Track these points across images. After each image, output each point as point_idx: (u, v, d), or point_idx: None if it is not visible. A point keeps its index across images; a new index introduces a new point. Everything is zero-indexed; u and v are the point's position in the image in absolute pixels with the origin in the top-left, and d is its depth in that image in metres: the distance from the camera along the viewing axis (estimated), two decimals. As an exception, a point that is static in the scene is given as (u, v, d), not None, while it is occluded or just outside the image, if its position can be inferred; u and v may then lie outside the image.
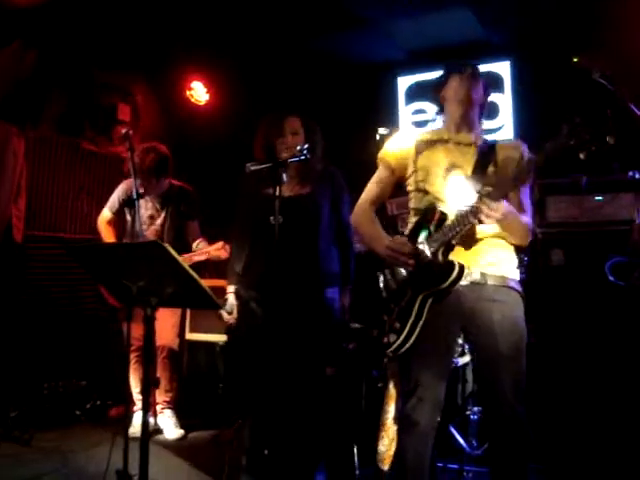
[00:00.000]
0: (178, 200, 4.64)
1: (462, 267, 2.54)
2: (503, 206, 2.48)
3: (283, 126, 3.45)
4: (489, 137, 2.96)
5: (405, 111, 5.65)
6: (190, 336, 5.14)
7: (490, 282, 2.63)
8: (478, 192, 2.53)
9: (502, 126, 5.26)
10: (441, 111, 2.91)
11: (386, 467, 3.39)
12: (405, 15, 4.88)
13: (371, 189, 2.97)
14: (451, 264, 2.55)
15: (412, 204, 2.85)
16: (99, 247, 3.68)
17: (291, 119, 3.48)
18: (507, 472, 2.61)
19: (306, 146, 3.10)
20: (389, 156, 2.92)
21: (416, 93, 5.60)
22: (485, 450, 3.45)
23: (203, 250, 4.44)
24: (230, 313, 3.61)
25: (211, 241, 4.46)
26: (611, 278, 3.90)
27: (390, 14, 4.91)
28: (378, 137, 3.93)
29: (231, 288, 3.65)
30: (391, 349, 2.68)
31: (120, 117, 5.79)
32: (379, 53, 5.57)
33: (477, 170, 2.69)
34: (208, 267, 5.80)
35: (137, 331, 4.30)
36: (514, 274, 2.72)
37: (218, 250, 4.34)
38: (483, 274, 2.62)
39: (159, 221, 4.59)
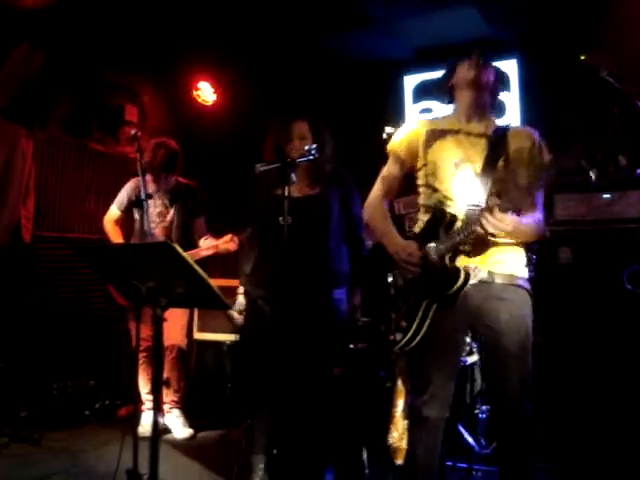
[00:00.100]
0: (185, 197, 4.66)
1: (467, 275, 2.54)
2: (510, 220, 2.46)
3: (291, 130, 3.45)
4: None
5: (412, 110, 5.65)
6: (198, 336, 5.16)
7: (498, 280, 2.62)
8: (486, 203, 2.52)
9: (509, 124, 5.23)
10: (451, 101, 2.87)
11: (400, 461, 3.41)
12: (411, 14, 4.88)
13: (381, 182, 2.96)
14: (457, 271, 2.54)
15: (421, 200, 2.83)
16: (108, 248, 3.70)
17: (299, 123, 3.47)
18: (514, 470, 2.61)
19: (314, 146, 3.10)
20: (398, 148, 2.89)
21: (423, 92, 5.60)
22: (494, 449, 3.45)
23: (211, 245, 4.45)
24: (240, 313, 3.62)
25: (217, 237, 4.48)
26: (629, 287, 3.89)
27: (396, 13, 4.90)
28: (385, 136, 3.93)
29: (242, 289, 3.66)
30: (396, 347, 2.70)
31: (127, 118, 5.81)
32: (386, 52, 5.56)
33: (487, 165, 2.65)
34: (217, 267, 5.82)
35: (145, 331, 4.33)
36: (522, 272, 2.71)
37: (227, 243, 4.36)
38: (491, 273, 2.62)
39: (168, 218, 4.60)
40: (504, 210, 2.43)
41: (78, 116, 5.55)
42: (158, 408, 2.62)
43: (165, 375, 4.50)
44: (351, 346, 3.97)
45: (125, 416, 4.98)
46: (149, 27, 5.16)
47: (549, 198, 4.24)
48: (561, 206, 4.30)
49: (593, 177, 2.20)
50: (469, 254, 2.59)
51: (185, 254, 2.37)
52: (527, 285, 2.69)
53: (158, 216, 4.57)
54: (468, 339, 3.47)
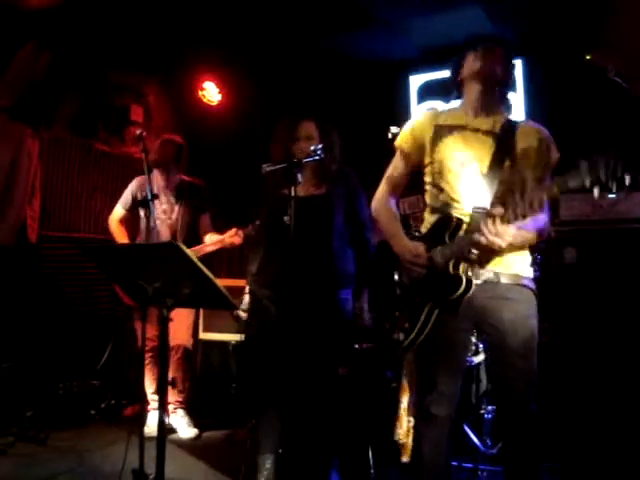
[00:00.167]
0: (190, 194, 4.69)
1: (469, 283, 2.53)
2: (511, 233, 2.45)
3: (298, 130, 3.46)
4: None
5: (417, 109, 5.65)
6: (203, 336, 5.17)
7: (503, 280, 2.62)
8: (490, 211, 2.50)
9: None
10: (459, 97, 2.81)
11: (405, 459, 3.43)
12: (416, 14, 4.87)
13: (388, 179, 2.94)
14: (459, 279, 2.53)
15: (428, 198, 2.81)
16: (114, 248, 3.71)
17: (306, 123, 3.48)
18: (519, 470, 2.61)
19: (320, 146, 3.10)
20: (405, 144, 2.85)
21: (428, 91, 5.59)
22: (499, 449, 3.45)
23: (216, 240, 4.47)
24: (245, 312, 3.63)
25: (222, 233, 4.50)
26: None
27: (402, 13, 4.90)
28: (390, 135, 3.93)
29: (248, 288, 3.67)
30: (398, 348, 2.71)
31: (133, 118, 5.82)
32: (391, 52, 5.56)
33: (494, 165, 2.62)
34: (223, 267, 5.84)
35: (151, 331, 4.33)
36: (527, 272, 2.70)
37: (232, 237, 4.38)
38: (496, 273, 2.62)
39: (174, 215, 4.62)
40: (506, 221, 2.41)
41: (84, 116, 5.57)
42: (164, 408, 2.62)
43: (171, 375, 4.51)
44: (356, 346, 3.97)
45: (131, 416, 4.98)
46: (155, 27, 5.17)
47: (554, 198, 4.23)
48: (566, 206, 4.29)
49: (596, 195, 2.17)
50: (476, 260, 2.57)
51: (192, 255, 2.37)
52: (532, 285, 2.69)
53: (164, 213, 4.58)
54: (474, 339, 3.48)
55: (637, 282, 4.11)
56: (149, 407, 4.58)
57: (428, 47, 5.41)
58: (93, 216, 5.68)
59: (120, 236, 4.60)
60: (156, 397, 4.47)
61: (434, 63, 5.38)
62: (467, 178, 2.65)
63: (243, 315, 3.66)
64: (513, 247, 2.59)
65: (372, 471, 3.62)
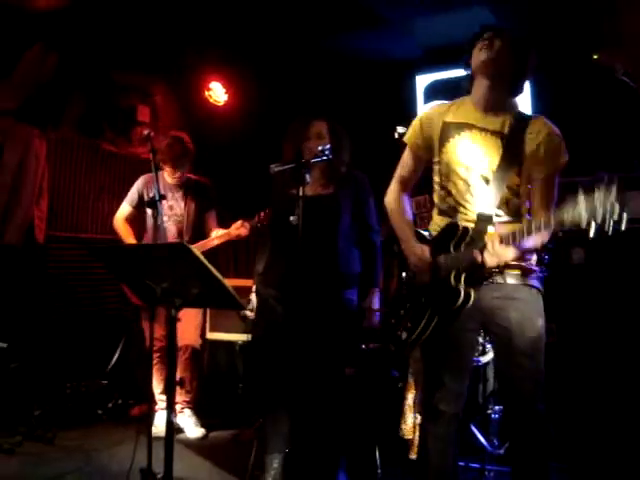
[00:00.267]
0: (196, 191, 4.71)
1: (468, 296, 2.50)
2: (509, 255, 2.41)
3: (309, 130, 3.47)
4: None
5: (423, 109, 5.64)
6: (210, 335, 5.18)
7: (510, 281, 2.61)
8: (488, 234, 2.49)
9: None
10: (470, 92, 2.71)
11: (413, 456, 3.43)
12: (423, 13, 4.87)
13: (398, 176, 2.90)
14: (457, 292, 2.52)
15: (436, 198, 2.80)
16: (122, 248, 3.72)
17: (317, 123, 3.49)
18: (527, 470, 2.61)
19: (327, 146, 3.11)
20: (414, 140, 2.81)
21: (434, 91, 5.59)
22: (507, 449, 3.45)
23: (222, 233, 4.50)
24: (252, 311, 3.64)
25: (227, 227, 4.54)
26: None
27: (408, 13, 4.90)
28: (396, 135, 3.93)
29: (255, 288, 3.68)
30: (401, 346, 2.72)
31: (139, 118, 5.84)
32: (397, 52, 5.55)
33: (501, 169, 2.58)
34: (230, 267, 5.85)
35: (159, 331, 4.34)
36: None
37: (238, 229, 4.43)
38: (503, 273, 2.62)
39: (180, 212, 4.64)
40: (506, 241, 2.38)
41: (91, 117, 5.59)
42: (171, 408, 2.63)
43: (179, 375, 4.52)
44: (363, 346, 3.98)
45: (138, 415, 4.98)
46: (161, 28, 5.18)
47: (562, 199, 4.21)
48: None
49: (591, 233, 2.12)
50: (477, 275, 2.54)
51: (200, 255, 2.37)
52: (538, 284, 2.68)
53: (170, 209, 4.60)
54: (481, 339, 3.48)
55: (645, 282, 4.10)
56: (156, 407, 4.58)
57: (435, 47, 5.40)
58: (100, 216, 5.70)
59: (126, 234, 4.60)
60: (164, 397, 4.47)
61: (440, 63, 5.37)
62: (474, 183, 2.63)
63: (250, 315, 3.66)
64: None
65: (379, 471, 3.62)
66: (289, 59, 5.67)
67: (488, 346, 3.54)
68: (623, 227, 2.08)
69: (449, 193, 2.70)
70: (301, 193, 2.92)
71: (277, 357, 3.37)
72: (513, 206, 2.62)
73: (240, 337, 4.88)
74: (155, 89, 6.08)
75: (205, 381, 5.14)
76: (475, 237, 2.54)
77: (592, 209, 2.09)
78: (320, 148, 3.12)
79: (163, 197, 3.77)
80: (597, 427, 3.84)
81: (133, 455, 3.18)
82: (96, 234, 5.67)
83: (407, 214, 2.87)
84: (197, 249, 2.44)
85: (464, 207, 2.65)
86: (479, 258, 2.44)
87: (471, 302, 2.51)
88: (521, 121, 2.62)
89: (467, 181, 2.64)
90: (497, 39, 2.54)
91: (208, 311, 5.10)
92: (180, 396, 4.63)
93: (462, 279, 2.52)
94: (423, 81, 5.70)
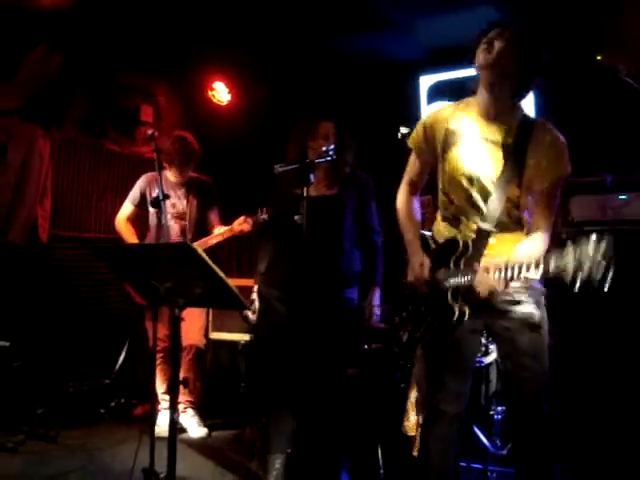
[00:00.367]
0: (198, 189, 4.73)
1: (462, 314, 2.50)
2: (501, 287, 2.39)
3: (316, 130, 3.47)
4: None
5: (427, 110, 5.65)
6: (212, 335, 5.18)
7: (512, 283, 2.61)
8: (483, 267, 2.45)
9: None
10: (474, 92, 2.65)
11: (416, 453, 3.43)
12: (427, 14, 4.87)
13: (407, 179, 2.89)
14: (452, 310, 2.52)
15: (439, 203, 2.79)
16: (126, 248, 3.72)
17: (325, 124, 3.50)
18: (531, 470, 2.60)
19: (332, 147, 3.11)
20: (418, 144, 2.79)
21: (438, 92, 5.59)
22: (509, 450, 3.45)
23: (224, 230, 4.50)
24: (254, 313, 3.64)
25: (229, 224, 4.55)
26: None
27: (412, 14, 4.90)
28: (400, 136, 3.93)
29: (256, 288, 3.68)
30: (402, 347, 2.72)
31: (143, 118, 5.85)
32: (401, 52, 5.55)
33: (502, 181, 2.54)
34: (233, 266, 5.85)
35: (162, 331, 4.35)
36: (534, 274, 2.69)
37: (241, 224, 4.43)
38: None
39: (183, 210, 4.65)
40: (494, 272, 2.37)
41: (94, 116, 5.61)
42: (175, 408, 2.63)
43: (182, 375, 4.51)
44: (365, 347, 3.98)
45: (141, 415, 5.00)
46: (164, 28, 5.19)
47: (565, 199, 4.21)
48: (577, 207, 4.27)
49: (576, 290, 2.11)
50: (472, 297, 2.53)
51: (204, 255, 2.38)
52: (540, 286, 2.68)
53: (172, 207, 4.60)
54: (483, 339, 3.48)
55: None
56: (159, 407, 4.59)
57: (439, 48, 5.40)
58: (104, 216, 5.71)
59: (128, 235, 4.61)
60: (167, 397, 4.48)
61: (445, 64, 5.37)
62: (475, 195, 2.61)
63: (252, 318, 3.66)
64: None
65: (381, 471, 3.62)
66: (292, 59, 5.67)
67: (491, 347, 3.54)
68: (606, 288, 2.08)
69: (451, 202, 2.70)
70: (305, 193, 2.91)
71: (279, 357, 3.37)
72: (514, 217, 2.62)
73: (243, 337, 4.89)
74: (158, 89, 6.09)
75: (208, 381, 5.15)
76: (474, 254, 2.54)
77: (579, 262, 2.09)
78: (324, 148, 3.12)
79: (167, 196, 3.78)
80: (601, 427, 3.84)
81: (136, 454, 3.18)
82: (99, 233, 5.68)
83: (415, 217, 2.86)
84: (200, 245, 2.45)
85: (466, 217, 2.65)
86: (473, 286, 2.44)
87: (466, 319, 2.51)
88: (525, 129, 2.56)
89: (469, 192, 2.62)
90: (498, 40, 2.44)
91: (210, 311, 5.10)
92: (183, 396, 4.63)
93: (459, 297, 2.53)
94: (427, 82, 5.70)
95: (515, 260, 2.34)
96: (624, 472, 3.59)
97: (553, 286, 2.69)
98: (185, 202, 4.66)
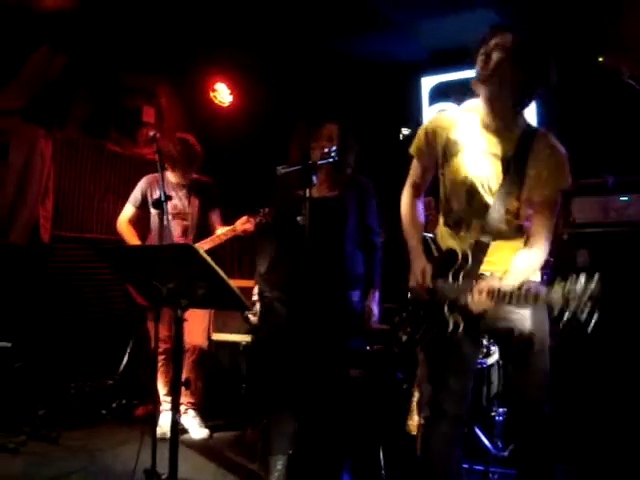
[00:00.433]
0: (199, 190, 4.73)
1: (456, 327, 2.51)
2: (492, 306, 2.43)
3: (320, 131, 3.47)
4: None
5: (429, 111, 5.65)
6: (214, 336, 5.18)
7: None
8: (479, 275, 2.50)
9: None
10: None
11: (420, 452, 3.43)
12: (429, 16, 4.87)
13: (410, 183, 2.89)
14: (447, 322, 2.53)
15: (441, 208, 2.80)
16: (128, 249, 3.73)
17: (328, 125, 3.50)
18: (533, 472, 2.61)
19: (334, 148, 3.10)
20: (419, 152, 2.80)
21: (440, 93, 5.59)
22: (511, 451, 3.45)
23: (227, 230, 4.50)
24: (255, 315, 3.64)
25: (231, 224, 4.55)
26: None
27: (414, 15, 4.90)
28: (401, 137, 3.93)
29: (256, 289, 3.68)
30: (401, 347, 2.72)
31: (145, 119, 5.86)
32: (403, 54, 5.56)
33: (502, 193, 2.55)
34: (235, 268, 5.85)
35: (164, 332, 4.34)
36: (536, 275, 2.69)
37: (243, 224, 4.43)
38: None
39: (185, 210, 4.66)
40: (489, 295, 2.40)
41: (96, 117, 5.61)
42: (177, 409, 2.63)
43: (184, 376, 4.52)
44: (367, 348, 3.98)
45: (142, 416, 4.98)
46: (167, 29, 5.20)
47: (567, 201, 4.21)
48: (579, 208, 4.27)
49: (561, 326, 2.15)
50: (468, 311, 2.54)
51: (206, 256, 2.38)
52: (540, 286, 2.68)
53: (174, 208, 4.60)
54: (485, 341, 3.47)
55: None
56: (161, 408, 4.59)
57: (440, 49, 5.40)
58: (105, 217, 5.71)
59: (130, 237, 4.60)
60: (168, 398, 4.48)
61: (446, 65, 5.38)
62: (475, 206, 2.61)
63: (253, 319, 3.67)
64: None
65: (383, 472, 3.62)
66: (294, 60, 5.67)
67: (492, 348, 3.54)
68: (589, 329, 2.10)
69: (453, 208, 2.70)
70: (308, 194, 2.91)
71: (280, 359, 3.37)
72: (514, 226, 2.62)
73: (244, 338, 4.88)
74: (160, 90, 6.09)
75: (209, 382, 5.15)
76: (472, 268, 2.55)
77: (567, 300, 2.13)
78: (326, 150, 3.12)
79: (169, 198, 3.78)
80: (603, 429, 3.83)
81: (137, 455, 3.18)
82: (101, 234, 5.68)
83: (418, 222, 2.86)
84: (203, 246, 2.45)
85: (466, 227, 2.65)
86: (470, 305, 2.46)
87: (460, 330, 2.52)
88: (526, 140, 2.55)
89: (469, 201, 2.63)
90: (496, 51, 2.41)
91: (212, 312, 5.10)
92: (185, 397, 4.63)
93: (455, 310, 2.54)
94: (428, 83, 5.71)
95: (509, 282, 2.40)
96: (626, 474, 3.59)
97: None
98: (187, 203, 4.66)
